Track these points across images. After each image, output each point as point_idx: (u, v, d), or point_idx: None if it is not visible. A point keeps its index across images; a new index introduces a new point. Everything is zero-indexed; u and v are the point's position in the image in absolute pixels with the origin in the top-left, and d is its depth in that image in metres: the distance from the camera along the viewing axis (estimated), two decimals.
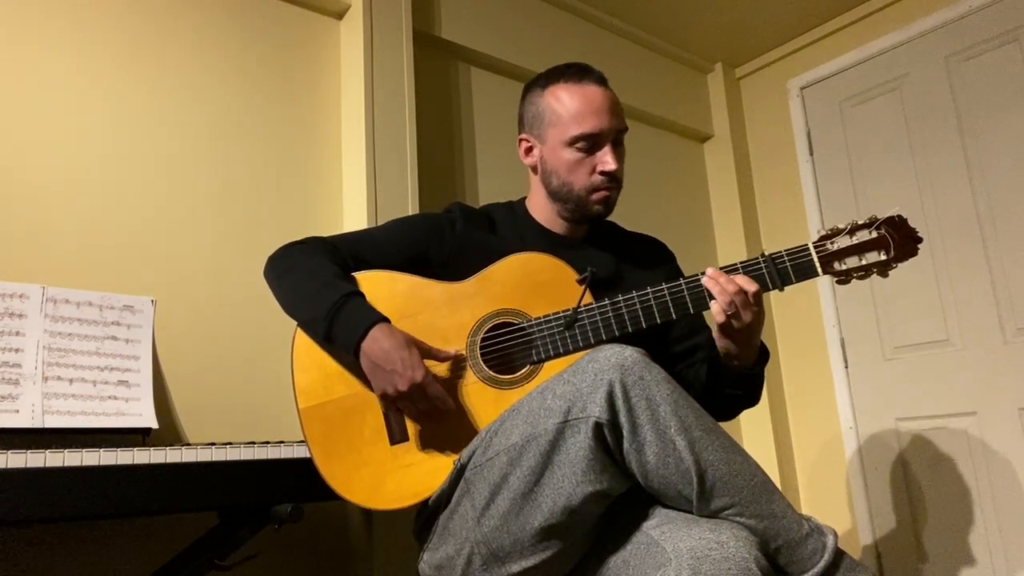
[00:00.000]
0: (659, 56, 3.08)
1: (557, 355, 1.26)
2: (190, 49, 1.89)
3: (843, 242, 1.23)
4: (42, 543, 1.47)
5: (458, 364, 1.26)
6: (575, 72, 1.39)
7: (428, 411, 1.21)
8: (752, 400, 1.37)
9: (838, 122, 2.91)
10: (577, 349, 1.25)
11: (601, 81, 1.39)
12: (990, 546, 2.37)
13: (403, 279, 1.32)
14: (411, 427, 1.24)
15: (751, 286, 1.19)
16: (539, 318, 1.27)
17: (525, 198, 1.50)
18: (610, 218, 1.53)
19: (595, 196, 1.37)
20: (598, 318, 1.25)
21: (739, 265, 1.23)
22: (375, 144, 2.03)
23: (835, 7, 2.88)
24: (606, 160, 1.34)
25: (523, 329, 1.27)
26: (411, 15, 2.20)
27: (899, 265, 1.22)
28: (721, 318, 1.20)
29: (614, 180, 1.37)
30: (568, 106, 1.36)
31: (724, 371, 1.30)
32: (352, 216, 2.02)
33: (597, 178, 1.36)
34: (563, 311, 1.27)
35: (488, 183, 2.41)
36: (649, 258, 1.50)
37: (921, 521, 2.54)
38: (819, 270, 1.23)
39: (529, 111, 1.43)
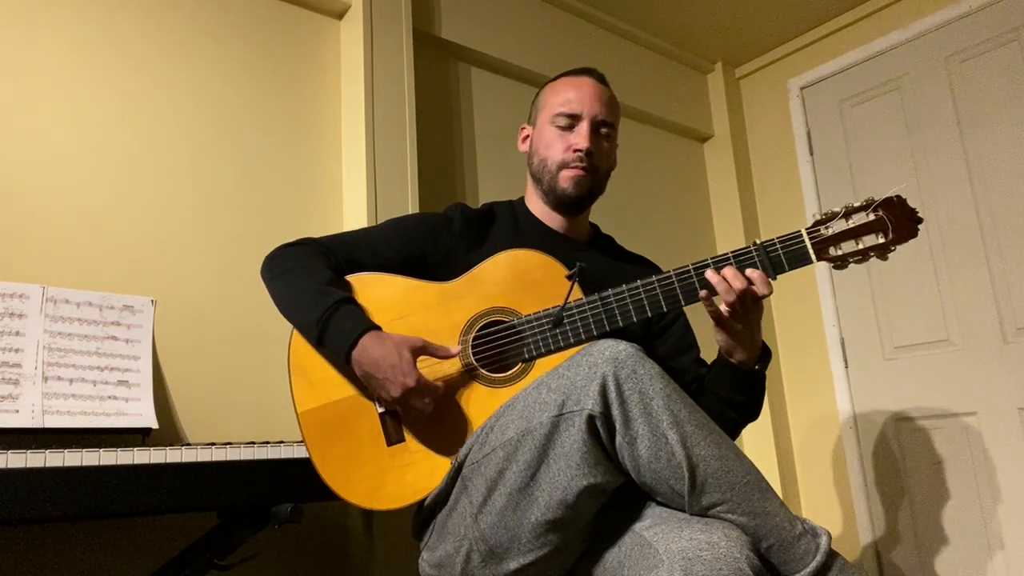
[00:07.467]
0: (659, 56, 3.08)
1: (548, 352, 1.25)
2: (190, 50, 1.89)
3: (839, 226, 1.19)
4: (42, 543, 1.47)
5: (451, 364, 1.26)
6: (576, 70, 1.48)
7: (426, 412, 1.21)
8: (754, 409, 1.33)
9: (838, 122, 2.91)
10: (568, 346, 1.24)
11: (598, 78, 1.46)
12: (990, 546, 2.37)
13: (395, 281, 1.32)
14: (407, 428, 1.24)
15: (762, 284, 1.18)
16: (529, 316, 1.27)
17: (523, 197, 1.52)
18: (610, 233, 1.56)
19: (564, 173, 1.40)
20: (588, 314, 1.25)
21: (730, 255, 1.21)
22: (375, 144, 2.03)
23: (835, 7, 2.87)
24: (579, 140, 1.39)
25: (514, 327, 1.27)
26: (411, 15, 2.20)
27: (898, 248, 1.17)
28: (727, 315, 1.20)
29: (587, 161, 1.39)
30: (557, 91, 1.45)
31: (727, 371, 1.28)
32: (352, 216, 2.02)
33: (570, 155, 1.39)
34: (552, 308, 1.26)
35: (488, 183, 2.41)
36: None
37: (921, 521, 2.54)
38: (813, 257, 1.19)
39: (532, 106, 1.52)
